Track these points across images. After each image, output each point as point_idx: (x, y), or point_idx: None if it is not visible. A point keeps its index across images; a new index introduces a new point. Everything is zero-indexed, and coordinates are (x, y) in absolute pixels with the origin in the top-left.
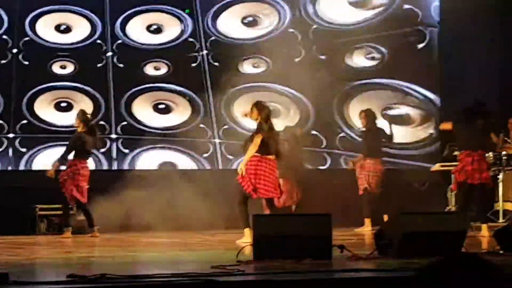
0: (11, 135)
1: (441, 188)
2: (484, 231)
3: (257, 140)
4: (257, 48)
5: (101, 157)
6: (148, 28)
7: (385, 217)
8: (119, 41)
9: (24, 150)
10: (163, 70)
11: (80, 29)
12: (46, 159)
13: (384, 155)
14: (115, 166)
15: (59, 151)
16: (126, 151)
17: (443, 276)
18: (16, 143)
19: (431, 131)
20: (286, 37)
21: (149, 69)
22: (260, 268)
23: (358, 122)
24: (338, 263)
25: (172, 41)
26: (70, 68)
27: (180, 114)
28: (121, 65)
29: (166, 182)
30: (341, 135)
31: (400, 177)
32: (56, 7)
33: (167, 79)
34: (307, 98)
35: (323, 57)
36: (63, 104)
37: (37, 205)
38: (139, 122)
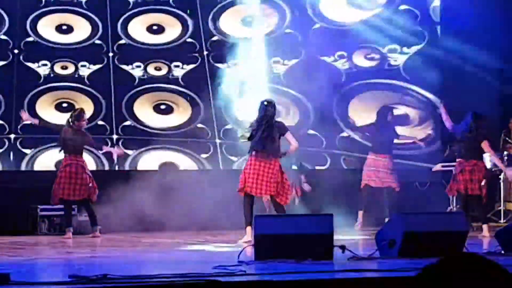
0: (12, 136)
1: (443, 188)
2: (485, 232)
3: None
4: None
5: (102, 157)
6: (149, 28)
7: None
8: (120, 42)
9: (25, 150)
10: (164, 70)
11: (81, 29)
12: (47, 160)
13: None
14: (116, 167)
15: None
16: (127, 151)
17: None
18: (18, 143)
19: (430, 131)
20: (286, 38)
21: (150, 69)
22: (261, 269)
23: (358, 122)
24: (340, 263)
25: (173, 41)
26: (71, 68)
27: (181, 114)
28: (122, 66)
29: (167, 182)
30: (341, 135)
31: (401, 177)
32: (57, 7)
33: (168, 80)
34: (307, 99)
35: (323, 57)
36: (64, 105)
37: (38, 206)
38: (140, 122)
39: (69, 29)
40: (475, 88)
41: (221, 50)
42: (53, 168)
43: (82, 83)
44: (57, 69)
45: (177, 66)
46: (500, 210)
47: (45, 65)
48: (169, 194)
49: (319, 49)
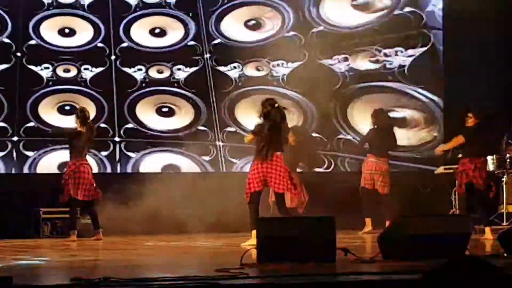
0: (15, 138)
1: (445, 191)
2: (488, 234)
3: None
4: (260, 51)
5: (105, 160)
6: (152, 31)
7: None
8: (123, 45)
9: (28, 153)
10: (166, 73)
11: (84, 32)
12: (50, 162)
13: (386, 154)
14: (118, 169)
15: (63, 154)
16: (130, 154)
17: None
18: (20, 146)
19: (435, 133)
20: (289, 40)
21: (153, 72)
22: (264, 271)
23: (361, 125)
24: (342, 266)
25: (175, 44)
26: (73, 71)
27: (183, 117)
28: (124, 68)
29: (169, 185)
30: (344, 138)
31: (404, 179)
32: (60, 10)
33: (170, 82)
34: (310, 101)
35: (326, 60)
36: (66, 107)
37: (41, 208)
38: (142, 125)
39: (72, 32)
40: (479, 91)
41: (223, 52)
42: (56, 171)
43: (84, 86)
44: (60, 72)
45: (179, 69)
46: (503, 212)
47: (48, 68)
48: (171, 196)
49: (321, 51)
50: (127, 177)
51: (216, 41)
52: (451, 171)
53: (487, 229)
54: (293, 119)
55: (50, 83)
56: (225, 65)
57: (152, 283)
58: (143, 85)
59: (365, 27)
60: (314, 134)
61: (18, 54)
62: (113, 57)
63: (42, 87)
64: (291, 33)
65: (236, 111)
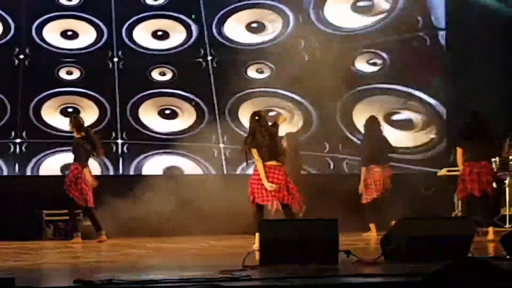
0: (18, 140)
1: (448, 193)
2: (491, 234)
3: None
4: (262, 53)
5: (107, 162)
6: (154, 34)
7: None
8: (125, 47)
9: (30, 155)
10: (169, 75)
11: (86, 34)
12: (52, 164)
13: (388, 160)
14: (121, 171)
15: (65, 156)
16: (132, 156)
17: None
18: (23, 148)
19: (433, 135)
20: (290, 43)
21: (155, 75)
22: (266, 273)
23: (361, 127)
24: (345, 268)
25: (178, 46)
26: (76, 73)
27: (185, 119)
28: (127, 71)
29: (172, 187)
30: (344, 140)
31: (406, 182)
32: (63, 13)
33: (172, 85)
34: (310, 104)
35: (326, 62)
36: (69, 110)
37: (43, 210)
38: (145, 127)
39: (74, 35)
40: (481, 94)
41: (226, 55)
42: (59, 173)
43: (87, 88)
44: (63, 74)
45: (181, 71)
46: (506, 215)
47: (51, 70)
48: (174, 199)
49: (322, 54)
50: (129, 179)
51: (218, 44)
52: (453, 173)
53: (490, 229)
54: (292, 122)
55: (53, 85)
56: (228, 67)
57: (155, 285)
58: (146, 87)
59: (366, 29)
60: (315, 137)
61: (21, 56)
62: (115, 60)
63: (45, 89)
64: (293, 36)
65: (239, 114)
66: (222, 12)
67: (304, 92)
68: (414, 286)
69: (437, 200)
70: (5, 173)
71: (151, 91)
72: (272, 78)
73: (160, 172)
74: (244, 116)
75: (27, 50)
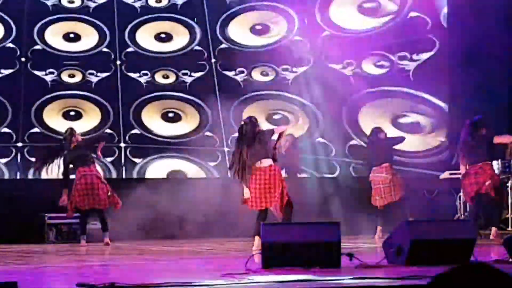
0: (19, 144)
1: (450, 196)
2: (493, 234)
3: None
4: (266, 56)
5: (110, 165)
6: (157, 36)
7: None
8: (128, 50)
9: (32, 159)
10: (172, 78)
11: (89, 37)
12: (54, 168)
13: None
14: (123, 175)
15: None
16: (135, 159)
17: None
18: (25, 152)
19: (442, 139)
20: (295, 45)
21: (158, 78)
22: (268, 277)
23: (368, 131)
24: (347, 271)
25: (181, 49)
26: (78, 76)
27: (189, 122)
28: (129, 74)
29: (175, 190)
30: (351, 143)
31: (410, 184)
32: (65, 15)
33: (176, 88)
34: (316, 106)
35: (332, 64)
36: (71, 113)
37: (46, 214)
38: (148, 130)
39: (77, 37)
40: (485, 96)
41: (229, 58)
42: (61, 176)
43: (89, 91)
44: (65, 77)
45: (185, 74)
46: (508, 217)
47: (52, 73)
48: (177, 202)
49: (328, 56)
50: (132, 183)
51: (222, 46)
52: (456, 176)
53: (493, 229)
54: (298, 125)
55: (55, 88)
56: (231, 70)
57: None
58: (149, 90)
59: (372, 31)
60: (321, 140)
61: (23, 59)
62: (118, 62)
63: (47, 92)
64: (298, 38)
65: (243, 116)
66: (225, 14)
67: (310, 95)
68: None
69: (439, 203)
70: (7, 176)
71: (154, 94)
72: (277, 81)
73: (164, 176)
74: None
75: (29, 53)
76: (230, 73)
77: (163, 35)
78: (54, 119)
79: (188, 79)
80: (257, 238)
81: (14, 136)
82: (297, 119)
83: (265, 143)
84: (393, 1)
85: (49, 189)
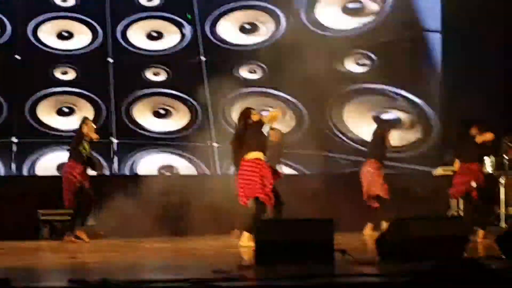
0: (14, 140)
1: (443, 192)
2: (480, 236)
3: None
4: (254, 54)
5: (102, 161)
6: (149, 34)
7: (384, 224)
8: (120, 48)
9: (27, 155)
10: (163, 76)
11: (82, 35)
12: (49, 164)
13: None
14: (115, 171)
15: (61, 155)
16: (127, 155)
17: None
18: (19, 148)
19: (419, 135)
20: (282, 44)
21: (149, 75)
22: (262, 273)
23: (353, 126)
24: (340, 268)
25: (172, 47)
26: (72, 74)
27: (179, 119)
28: (121, 71)
29: (167, 186)
30: (335, 139)
31: (401, 181)
32: (58, 14)
33: (166, 85)
34: (302, 103)
35: (317, 63)
36: (65, 109)
37: (40, 210)
38: (139, 126)
39: (70, 36)
40: (476, 94)
41: (219, 55)
42: (55, 173)
43: (82, 88)
44: (58, 74)
45: (175, 72)
46: (501, 214)
47: (46, 70)
48: (168, 199)
49: (314, 54)
50: (124, 179)
51: (211, 44)
52: (449, 172)
53: (480, 231)
54: (284, 121)
55: (49, 85)
56: (221, 68)
57: (150, 285)
58: (140, 87)
59: (356, 31)
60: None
61: (17, 56)
62: (110, 60)
63: (41, 89)
64: (285, 36)
65: (232, 113)
66: (215, 13)
67: (296, 92)
68: (408, 286)
69: (432, 200)
70: (1, 173)
71: (146, 91)
72: (265, 79)
73: (155, 172)
74: (237, 116)
75: (22, 51)
76: (219, 71)
77: (154, 33)
78: (48, 115)
79: (179, 77)
80: (245, 233)
81: (9, 132)
82: (284, 116)
83: (254, 136)
84: (376, 2)
85: (44, 185)
